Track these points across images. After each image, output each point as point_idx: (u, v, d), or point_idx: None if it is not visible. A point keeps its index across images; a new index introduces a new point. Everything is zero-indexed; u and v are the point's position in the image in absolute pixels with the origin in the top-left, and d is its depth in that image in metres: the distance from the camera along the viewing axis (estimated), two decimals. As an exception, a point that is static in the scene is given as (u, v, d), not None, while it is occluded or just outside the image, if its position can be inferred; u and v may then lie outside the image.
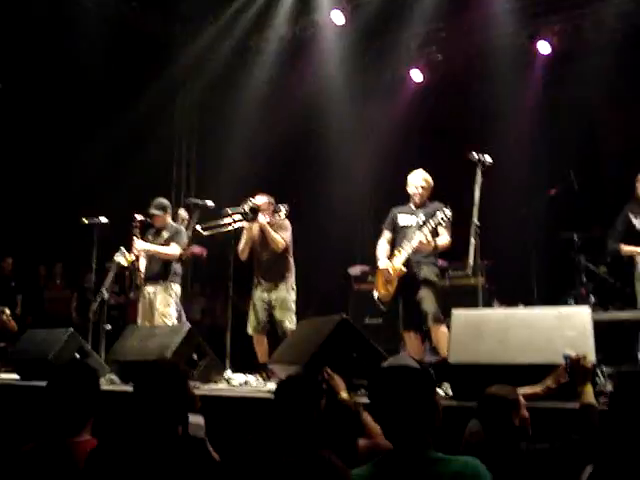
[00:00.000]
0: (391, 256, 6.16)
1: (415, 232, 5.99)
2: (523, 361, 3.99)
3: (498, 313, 5.16)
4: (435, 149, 9.90)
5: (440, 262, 6.48)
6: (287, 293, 6.68)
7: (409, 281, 6.01)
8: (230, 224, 6.43)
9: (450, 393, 4.50)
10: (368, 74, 9.83)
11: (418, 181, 6.28)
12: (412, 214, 6.23)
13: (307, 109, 9.50)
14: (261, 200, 6.68)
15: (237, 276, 6.66)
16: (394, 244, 6.24)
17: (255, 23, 9.45)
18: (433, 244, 5.92)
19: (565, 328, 4.19)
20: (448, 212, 5.88)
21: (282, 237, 6.64)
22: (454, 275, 8.21)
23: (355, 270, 9.34)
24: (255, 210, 6.49)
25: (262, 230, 6.66)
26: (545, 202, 8.53)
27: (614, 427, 2.62)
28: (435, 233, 5.97)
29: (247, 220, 6.48)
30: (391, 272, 6.05)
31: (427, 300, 5.92)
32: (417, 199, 6.26)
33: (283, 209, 6.64)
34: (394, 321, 6.24)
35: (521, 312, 4.91)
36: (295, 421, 2.91)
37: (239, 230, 6.62)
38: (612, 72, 9.06)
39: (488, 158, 5.64)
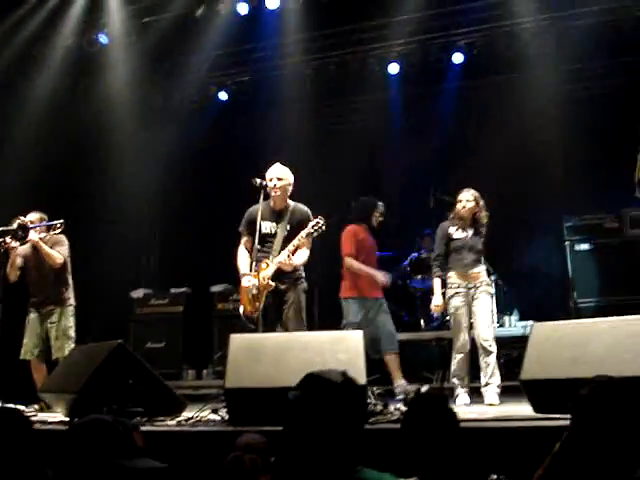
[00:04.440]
0: (255, 269, 5.58)
1: (280, 243, 5.56)
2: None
3: (277, 337, 5.22)
4: (223, 172, 9.92)
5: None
6: (65, 319, 6.38)
7: (277, 297, 5.55)
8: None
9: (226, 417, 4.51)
10: (156, 93, 9.68)
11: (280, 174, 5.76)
12: (274, 221, 5.73)
13: (92, 125, 9.17)
14: (33, 217, 6.41)
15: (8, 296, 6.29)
16: (251, 250, 5.66)
17: (40, 32, 8.94)
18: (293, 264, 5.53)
19: (338, 351, 4.36)
20: (322, 223, 5.53)
21: (58, 251, 6.35)
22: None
23: (138, 293, 9.10)
24: (25, 228, 6.18)
25: (35, 247, 6.32)
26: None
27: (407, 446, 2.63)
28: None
29: (17, 239, 6.18)
30: (259, 287, 5.52)
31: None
32: (277, 200, 5.74)
33: (58, 225, 6.39)
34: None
35: (298, 336, 5.03)
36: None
37: (8, 249, 6.25)
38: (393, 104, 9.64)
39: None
